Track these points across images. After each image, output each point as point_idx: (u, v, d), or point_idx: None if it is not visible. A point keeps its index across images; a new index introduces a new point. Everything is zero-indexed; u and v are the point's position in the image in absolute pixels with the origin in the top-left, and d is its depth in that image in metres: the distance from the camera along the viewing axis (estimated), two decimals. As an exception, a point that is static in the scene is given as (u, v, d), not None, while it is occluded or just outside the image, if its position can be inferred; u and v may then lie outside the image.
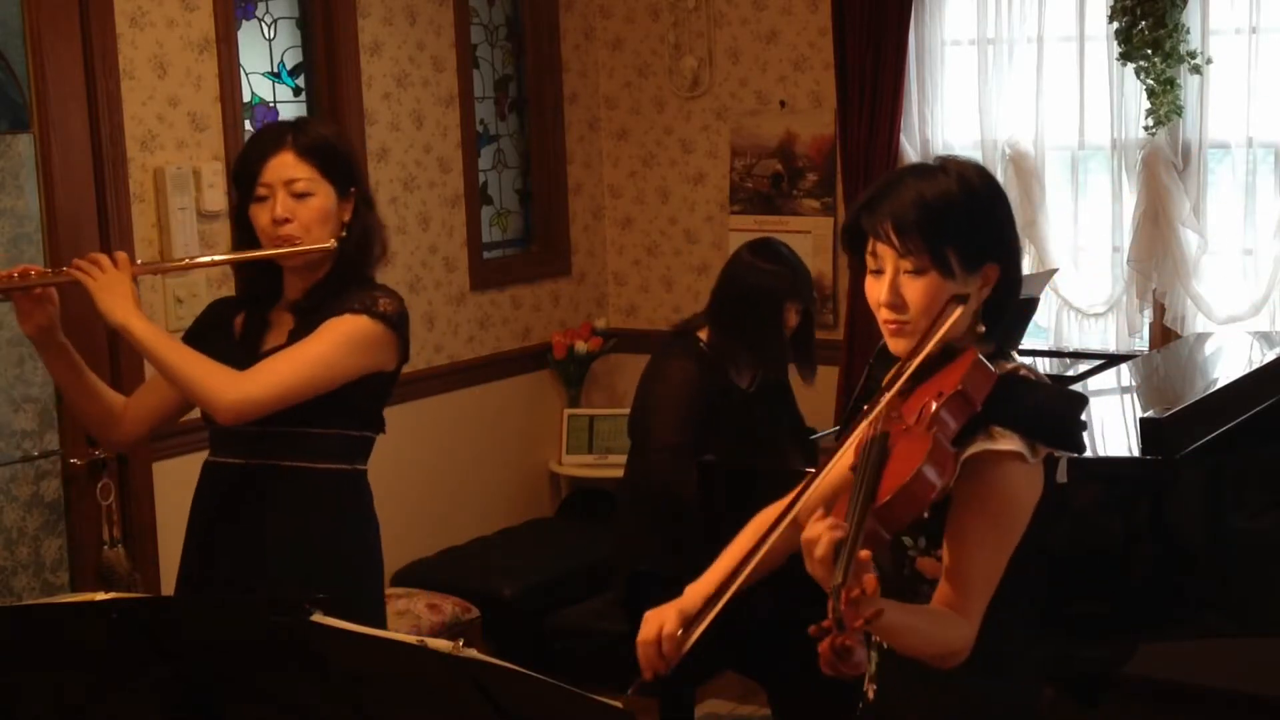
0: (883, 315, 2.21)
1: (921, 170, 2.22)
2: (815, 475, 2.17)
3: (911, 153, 5.02)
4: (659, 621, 2.21)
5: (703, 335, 4.00)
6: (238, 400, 2.68)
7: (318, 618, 1.79)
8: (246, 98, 4.56)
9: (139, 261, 2.80)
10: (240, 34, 4.50)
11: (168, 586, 4.22)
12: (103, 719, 2.03)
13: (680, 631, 2.18)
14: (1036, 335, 4.91)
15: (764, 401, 4.04)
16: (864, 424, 2.12)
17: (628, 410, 4.13)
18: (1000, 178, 4.69)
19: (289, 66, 4.75)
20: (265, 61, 4.69)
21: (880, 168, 4.99)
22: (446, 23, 5.14)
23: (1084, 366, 4.41)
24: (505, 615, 4.80)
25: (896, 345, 2.21)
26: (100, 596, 1.95)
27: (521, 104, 5.59)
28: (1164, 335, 4.78)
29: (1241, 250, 4.66)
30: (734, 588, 2.13)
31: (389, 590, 4.55)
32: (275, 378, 2.70)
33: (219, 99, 4.37)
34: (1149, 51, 4.50)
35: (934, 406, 2.04)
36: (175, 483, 4.21)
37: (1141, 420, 3.31)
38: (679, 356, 3.95)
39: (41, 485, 3.99)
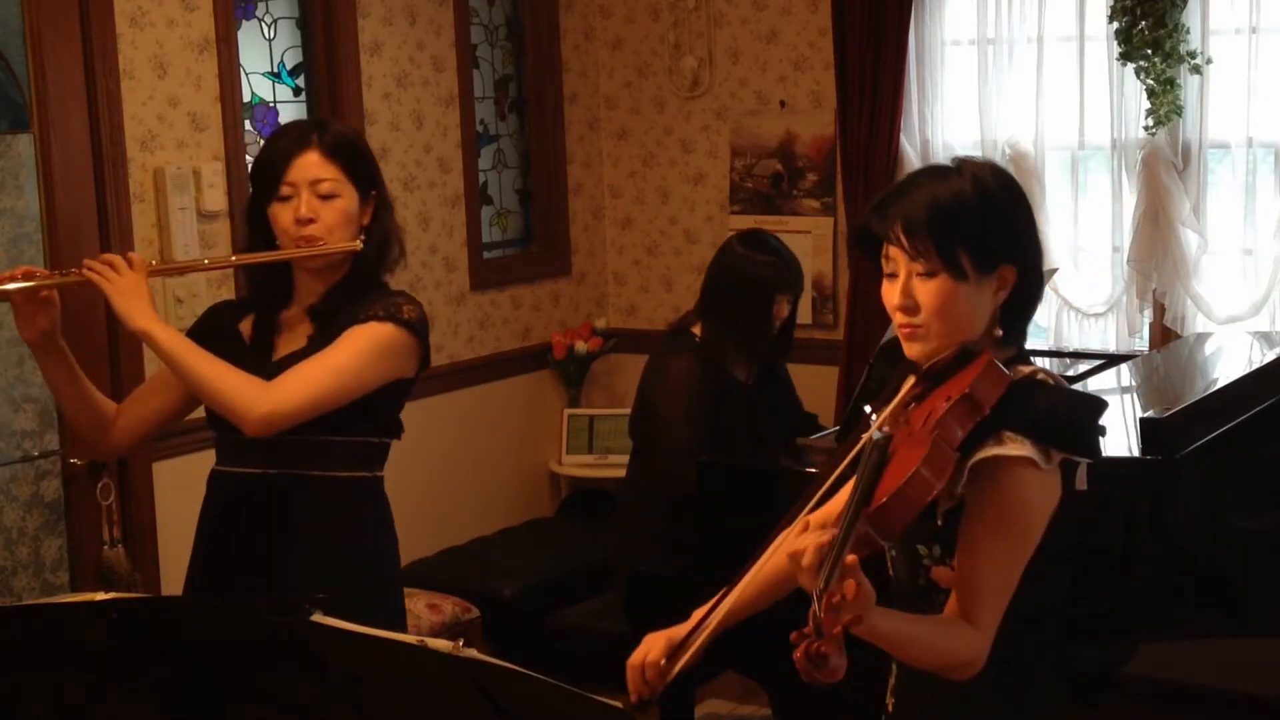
0: (896, 319, 2.16)
1: (936, 171, 2.19)
2: (821, 495, 2.14)
3: (911, 152, 5.02)
4: (648, 649, 2.23)
5: (697, 331, 3.99)
6: (270, 412, 2.61)
7: (318, 618, 1.79)
8: (246, 98, 4.56)
9: (154, 263, 2.73)
10: (240, 34, 4.50)
11: (168, 586, 4.22)
12: (103, 719, 2.03)
13: (664, 661, 2.19)
14: (1036, 335, 4.91)
15: (765, 395, 4.04)
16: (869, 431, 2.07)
17: (628, 410, 4.13)
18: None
19: (289, 66, 4.76)
20: (265, 61, 4.69)
21: (880, 168, 4.99)
22: (446, 23, 5.14)
23: (1084, 366, 4.41)
24: (505, 615, 4.80)
25: (911, 349, 2.17)
26: (100, 596, 1.95)
27: (521, 104, 5.59)
28: (1164, 335, 4.78)
29: (1241, 250, 4.66)
30: (719, 619, 2.13)
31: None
32: (305, 388, 2.64)
33: (219, 99, 4.37)
34: (1149, 51, 4.50)
35: (941, 410, 2.01)
36: (175, 483, 4.21)
37: (1141, 420, 3.31)
38: (679, 355, 3.94)
39: (41, 485, 3.99)
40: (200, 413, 2.82)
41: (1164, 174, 4.62)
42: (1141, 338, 4.86)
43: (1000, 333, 2.17)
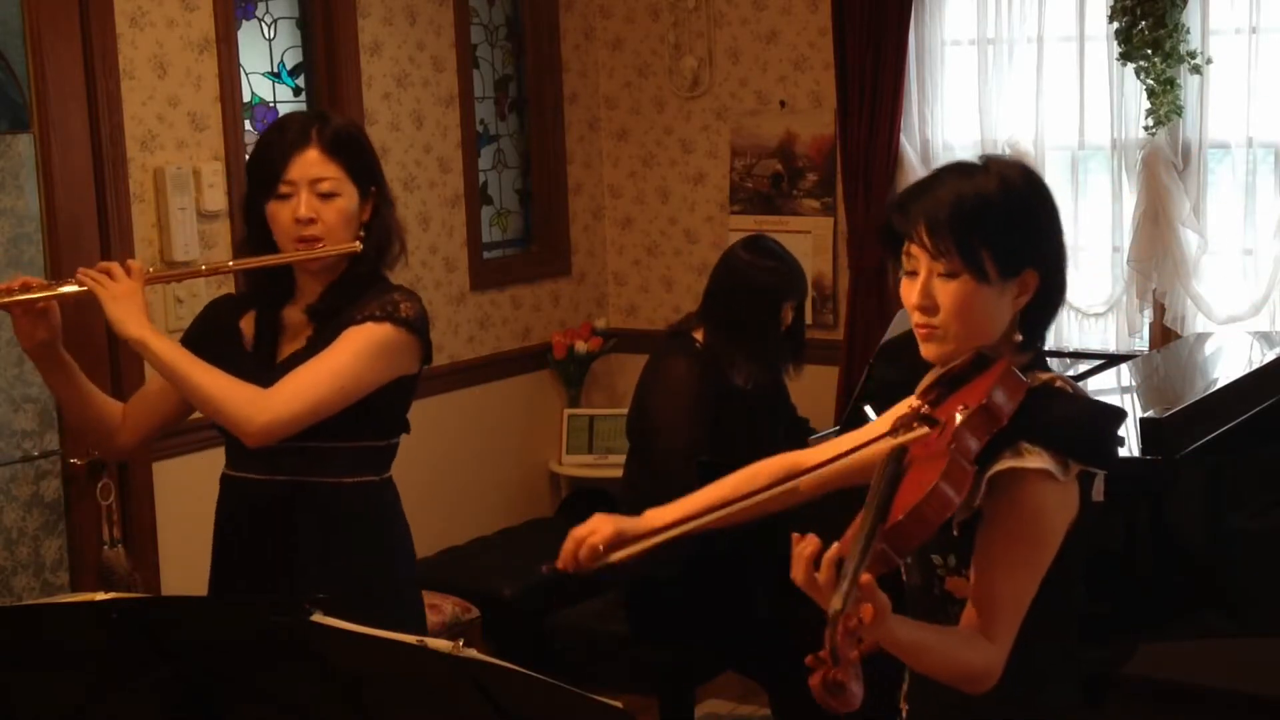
0: (914, 319, 2.11)
1: (961, 168, 2.13)
2: (830, 449, 2.12)
3: (911, 152, 5.02)
4: (595, 528, 2.28)
5: (698, 335, 3.99)
6: (268, 423, 2.57)
7: (318, 618, 1.78)
8: (246, 98, 4.56)
9: (152, 270, 2.68)
10: (240, 34, 4.50)
11: (168, 586, 4.22)
12: (102, 719, 2.03)
13: (603, 548, 2.22)
14: (1036, 335, 4.91)
15: (762, 400, 4.04)
16: (891, 427, 2.04)
17: (627, 410, 4.13)
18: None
19: (289, 66, 4.76)
20: (265, 61, 4.69)
21: (880, 168, 4.99)
22: (446, 23, 5.14)
23: (1084, 366, 4.41)
24: (505, 615, 4.80)
25: (927, 350, 2.12)
26: (100, 596, 1.95)
27: (521, 104, 5.59)
28: (1164, 335, 4.78)
29: (1241, 250, 4.66)
30: (672, 534, 2.14)
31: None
32: (303, 395, 2.59)
33: (219, 99, 4.36)
34: (1149, 51, 4.50)
35: (957, 421, 1.96)
36: (175, 483, 4.21)
37: (1141, 420, 3.31)
38: (678, 357, 3.94)
39: (41, 485, 3.99)
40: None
41: (1164, 174, 4.62)
42: (1141, 338, 4.86)
43: (1020, 338, 2.12)
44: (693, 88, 5.56)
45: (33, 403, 3.95)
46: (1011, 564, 2.00)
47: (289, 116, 2.80)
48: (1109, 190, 4.81)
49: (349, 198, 2.71)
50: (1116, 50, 4.59)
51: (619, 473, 4.24)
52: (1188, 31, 4.52)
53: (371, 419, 2.72)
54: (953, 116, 5.04)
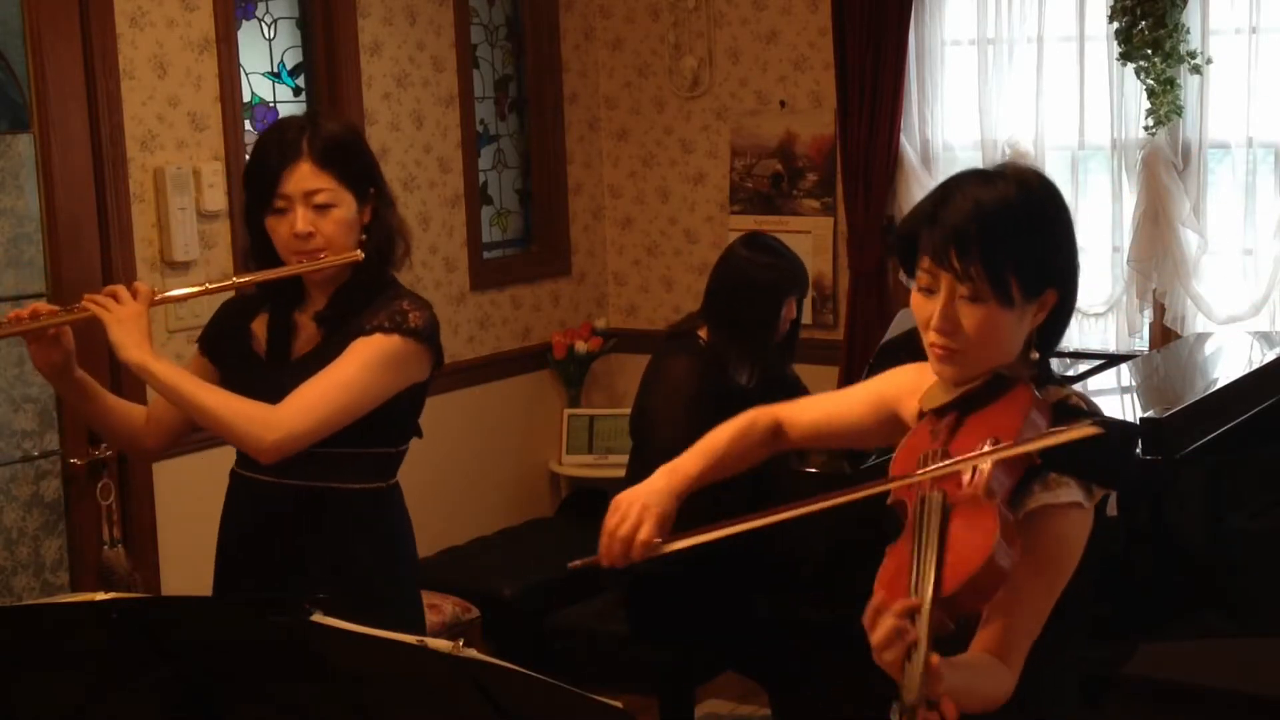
0: (930, 338, 2.06)
1: (980, 176, 2.08)
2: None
3: (911, 152, 5.02)
4: (638, 519, 2.29)
5: (702, 334, 3.99)
6: (279, 440, 2.57)
7: (318, 618, 1.79)
8: (246, 98, 4.56)
9: (158, 294, 2.68)
10: (240, 34, 4.50)
11: (168, 586, 4.22)
12: (102, 719, 2.03)
13: (660, 540, 2.23)
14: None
15: (765, 398, 4.03)
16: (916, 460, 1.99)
17: (628, 410, 4.13)
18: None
19: (289, 66, 4.76)
20: (265, 61, 4.69)
21: (880, 168, 4.99)
22: (446, 23, 5.14)
23: (1084, 366, 4.41)
24: (505, 615, 4.80)
25: (943, 371, 2.08)
26: (100, 596, 1.95)
27: (521, 104, 5.59)
28: (1164, 335, 4.78)
29: (1241, 250, 4.66)
30: (723, 533, 2.13)
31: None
32: (313, 410, 2.59)
33: (219, 99, 4.36)
34: (1149, 51, 4.50)
35: (988, 466, 1.90)
36: (175, 483, 4.21)
37: (1141, 420, 3.31)
38: (681, 356, 3.94)
39: (41, 485, 3.99)
40: None
41: (1164, 174, 4.62)
42: (1141, 338, 4.86)
43: (1036, 355, 2.10)
44: (693, 88, 5.56)
45: (33, 403, 3.95)
46: (1034, 594, 1.98)
47: (282, 122, 2.78)
48: (1109, 190, 4.81)
49: (346, 206, 2.70)
50: (1116, 50, 4.59)
51: (619, 473, 4.24)
52: (1188, 31, 4.52)
53: (382, 427, 2.72)
54: (953, 116, 5.04)
